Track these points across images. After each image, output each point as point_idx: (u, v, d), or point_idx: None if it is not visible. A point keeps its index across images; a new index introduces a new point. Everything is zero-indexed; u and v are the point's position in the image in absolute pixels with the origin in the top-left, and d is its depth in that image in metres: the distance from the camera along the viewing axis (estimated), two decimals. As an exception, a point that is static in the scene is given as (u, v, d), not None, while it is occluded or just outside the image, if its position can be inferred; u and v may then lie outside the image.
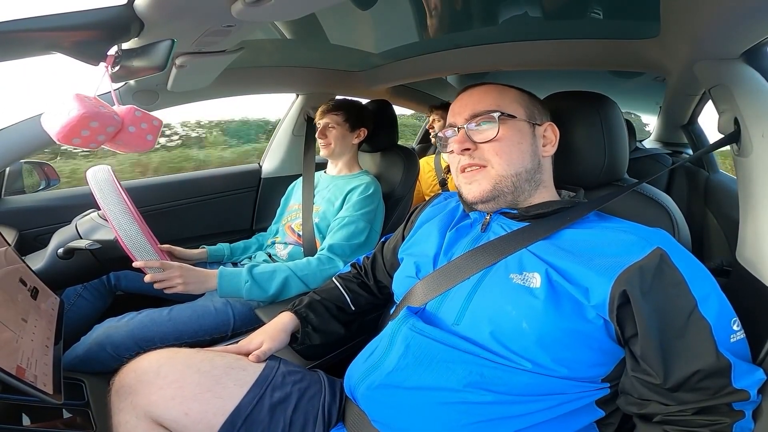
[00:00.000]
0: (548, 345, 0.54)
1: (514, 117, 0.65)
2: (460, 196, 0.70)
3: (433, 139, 2.16)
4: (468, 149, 0.65)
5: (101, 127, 0.74)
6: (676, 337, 0.51)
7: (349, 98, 1.36)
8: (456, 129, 0.68)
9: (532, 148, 0.66)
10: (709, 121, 1.80)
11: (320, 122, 1.29)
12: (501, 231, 0.66)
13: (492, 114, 0.64)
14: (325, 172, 1.38)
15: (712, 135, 1.79)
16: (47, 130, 0.73)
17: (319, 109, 1.30)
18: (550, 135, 0.69)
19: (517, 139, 0.65)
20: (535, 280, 0.57)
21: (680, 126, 1.87)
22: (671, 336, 0.51)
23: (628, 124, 1.93)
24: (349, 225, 1.14)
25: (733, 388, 0.49)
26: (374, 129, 1.38)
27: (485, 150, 0.65)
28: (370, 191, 1.20)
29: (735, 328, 0.52)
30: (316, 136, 1.28)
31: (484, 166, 0.65)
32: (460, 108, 0.69)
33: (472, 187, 0.66)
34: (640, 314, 0.51)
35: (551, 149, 0.69)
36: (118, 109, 0.80)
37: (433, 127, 2.09)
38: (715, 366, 0.49)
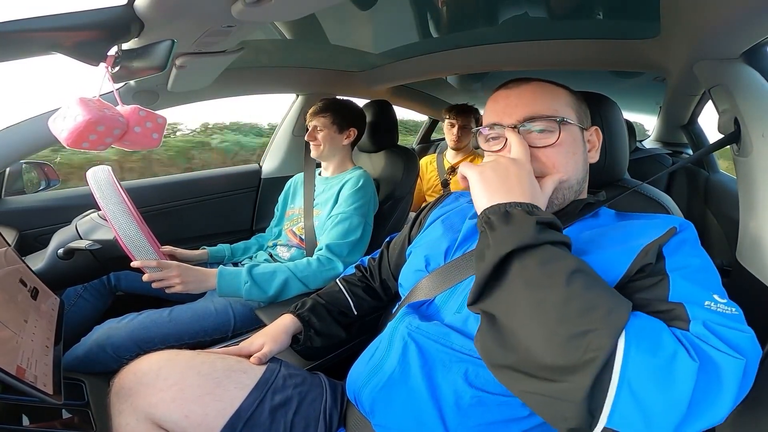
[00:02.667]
0: None
1: (571, 123, 0.60)
2: None
3: (451, 139, 1.99)
4: None
5: (108, 130, 0.75)
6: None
7: (338, 98, 1.34)
8: (503, 129, 0.61)
9: (584, 155, 0.63)
10: (709, 122, 1.81)
11: (309, 124, 1.28)
12: None
13: (552, 119, 0.59)
14: (320, 174, 1.37)
15: (712, 135, 1.79)
16: (55, 134, 0.75)
17: (309, 112, 1.30)
18: (594, 139, 0.66)
19: (573, 149, 0.61)
20: None
21: (680, 126, 1.87)
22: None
23: (628, 124, 1.92)
24: (344, 222, 1.14)
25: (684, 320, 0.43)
26: (375, 129, 1.38)
27: (539, 158, 0.59)
28: (360, 183, 1.19)
29: (717, 298, 0.45)
30: (306, 138, 1.28)
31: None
32: (508, 108, 0.61)
33: None
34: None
35: (596, 155, 0.66)
36: (122, 109, 0.80)
37: (452, 131, 1.95)
38: (663, 308, 0.45)
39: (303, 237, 1.24)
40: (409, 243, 0.83)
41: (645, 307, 0.45)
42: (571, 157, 0.61)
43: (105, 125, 0.74)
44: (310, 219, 1.24)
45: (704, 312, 0.43)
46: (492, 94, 0.66)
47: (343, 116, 1.28)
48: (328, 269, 1.08)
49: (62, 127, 0.73)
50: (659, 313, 0.44)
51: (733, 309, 0.44)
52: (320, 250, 1.12)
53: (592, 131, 0.66)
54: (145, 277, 0.92)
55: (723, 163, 1.81)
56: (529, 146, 0.58)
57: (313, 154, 1.30)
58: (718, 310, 0.43)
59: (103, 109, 0.75)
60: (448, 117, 1.98)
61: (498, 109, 0.63)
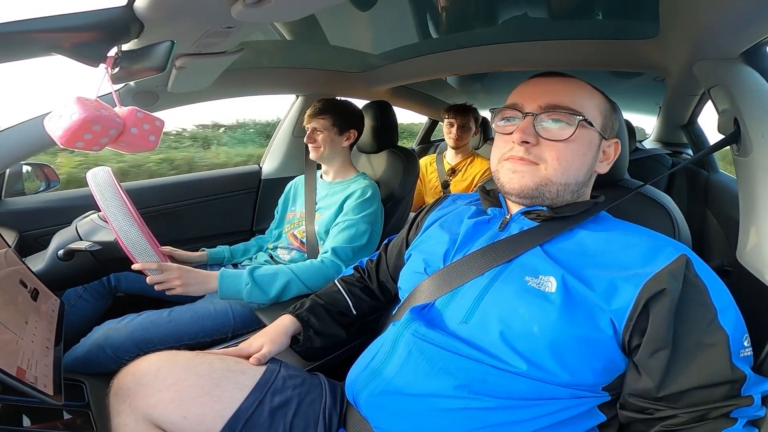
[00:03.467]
0: (557, 350, 0.53)
1: (591, 126, 0.60)
2: (497, 180, 0.65)
3: (450, 138, 1.99)
4: (528, 143, 0.59)
5: (103, 130, 0.74)
6: (694, 343, 0.50)
7: (337, 99, 1.31)
8: (522, 114, 0.61)
9: (592, 161, 0.63)
10: (709, 121, 1.81)
11: (308, 126, 1.26)
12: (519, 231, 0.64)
13: (573, 115, 0.59)
14: (321, 176, 1.36)
15: (712, 135, 1.79)
16: (50, 133, 0.74)
17: (307, 113, 1.28)
18: (610, 152, 0.65)
19: (584, 150, 0.61)
20: (551, 285, 0.56)
21: (680, 126, 1.87)
22: (690, 343, 0.50)
23: (628, 124, 1.92)
24: (350, 228, 1.14)
25: (741, 396, 0.49)
26: (375, 130, 1.38)
27: (545, 148, 0.59)
28: (368, 195, 1.18)
29: (746, 344, 0.51)
30: (305, 140, 1.26)
31: (536, 164, 0.60)
32: (535, 93, 0.62)
33: (515, 177, 0.61)
34: (664, 319, 0.50)
35: (606, 167, 0.65)
36: (120, 110, 0.80)
37: (451, 131, 1.97)
38: (728, 377, 0.49)
39: (304, 240, 1.24)
40: (407, 246, 0.82)
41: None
42: (578, 157, 0.61)
43: (101, 125, 0.73)
44: (311, 223, 1.24)
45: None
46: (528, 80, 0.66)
47: (343, 118, 1.26)
48: (332, 272, 1.07)
49: (57, 126, 0.72)
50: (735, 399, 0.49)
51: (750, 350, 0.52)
52: (325, 253, 1.11)
53: (611, 143, 0.65)
54: (148, 279, 0.92)
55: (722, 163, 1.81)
56: (541, 138, 0.60)
57: (312, 156, 1.28)
58: (746, 355, 0.51)
59: (100, 109, 0.74)
60: (447, 116, 1.98)
61: (525, 91, 0.63)
